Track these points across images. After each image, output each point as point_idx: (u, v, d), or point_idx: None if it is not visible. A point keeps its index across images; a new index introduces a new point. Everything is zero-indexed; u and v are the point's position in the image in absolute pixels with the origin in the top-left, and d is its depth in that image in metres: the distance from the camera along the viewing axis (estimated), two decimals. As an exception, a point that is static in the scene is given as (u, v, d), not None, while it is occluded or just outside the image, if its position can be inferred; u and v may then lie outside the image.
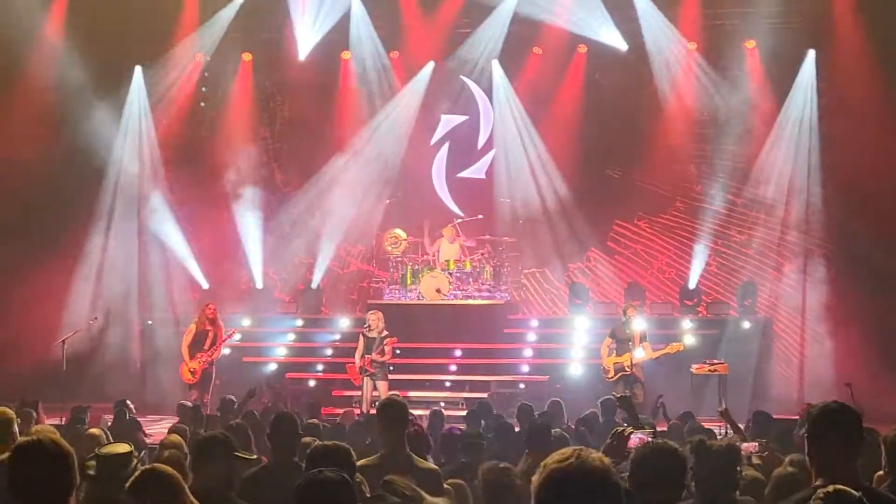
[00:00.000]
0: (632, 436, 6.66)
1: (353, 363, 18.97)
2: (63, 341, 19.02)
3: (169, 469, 5.80)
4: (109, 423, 14.00)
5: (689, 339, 20.83)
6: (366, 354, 18.55)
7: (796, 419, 13.17)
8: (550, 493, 3.63)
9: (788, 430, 10.99)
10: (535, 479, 3.69)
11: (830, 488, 4.60)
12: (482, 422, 12.87)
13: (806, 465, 5.51)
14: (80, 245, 24.22)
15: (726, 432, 13.05)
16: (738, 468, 6.64)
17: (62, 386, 18.40)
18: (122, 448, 6.58)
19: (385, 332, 18.72)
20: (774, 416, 12.67)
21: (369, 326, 18.73)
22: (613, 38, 24.12)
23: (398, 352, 20.48)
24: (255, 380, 21.63)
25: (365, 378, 18.42)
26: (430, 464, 8.17)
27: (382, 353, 18.55)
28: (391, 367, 19.34)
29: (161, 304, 24.26)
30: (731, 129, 23.86)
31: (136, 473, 5.74)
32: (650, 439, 6.59)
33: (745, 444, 9.25)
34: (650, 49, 24.07)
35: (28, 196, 23.58)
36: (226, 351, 22.10)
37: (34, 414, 12.63)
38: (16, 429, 7.91)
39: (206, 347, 18.80)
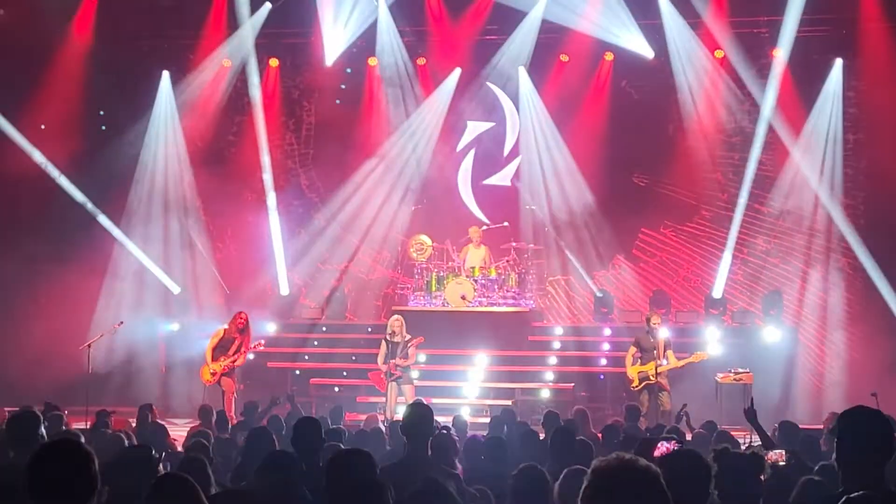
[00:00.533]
0: (658, 445, 6.64)
1: (375, 370, 18.97)
2: (88, 346, 19.09)
3: (183, 475, 5.80)
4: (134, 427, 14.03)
5: (715, 348, 20.77)
6: (389, 360, 18.54)
7: (822, 429, 13.09)
8: (598, 493, 3.64)
9: (814, 440, 10.91)
10: (584, 479, 3.75)
11: (856, 494, 4.57)
12: (504, 428, 12.84)
13: (833, 472, 5.47)
14: (107, 249, 24.33)
15: (751, 441, 12.99)
16: (762, 477, 6.60)
17: (88, 390, 18.45)
18: (144, 451, 6.59)
19: (408, 336, 18.71)
20: (800, 426, 12.57)
21: (393, 332, 18.71)
22: (640, 46, 24.08)
23: (423, 358, 20.49)
24: (279, 385, 21.80)
25: (390, 383, 18.41)
26: (453, 469, 8.15)
27: (406, 356, 18.54)
28: (415, 374, 19.32)
29: (187, 309, 24.31)
30: (758, 137, 23.77)
31: (156, 478, 5.73)
32: (675, 448, 6.56)
33: (771, 453, 9.19)
34: (676, 57, 24.05)
35: (57, 200, 23.71)
36: (250, 356, 22.20)
37: (64, 417, 12.67)
38: (42, 431, 7.94)
39: (230, 353, 18.70)
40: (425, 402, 9.39)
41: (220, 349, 18.78)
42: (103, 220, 24.19)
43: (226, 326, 19.10)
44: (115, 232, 24.35)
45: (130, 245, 24.44)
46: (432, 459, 7.83)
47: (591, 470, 3.78)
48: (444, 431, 9.08)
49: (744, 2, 23.31)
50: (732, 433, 12.51)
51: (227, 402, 18.29)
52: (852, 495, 4.60)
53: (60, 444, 4.69)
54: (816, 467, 7.92)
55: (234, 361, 18.71)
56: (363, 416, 16.97)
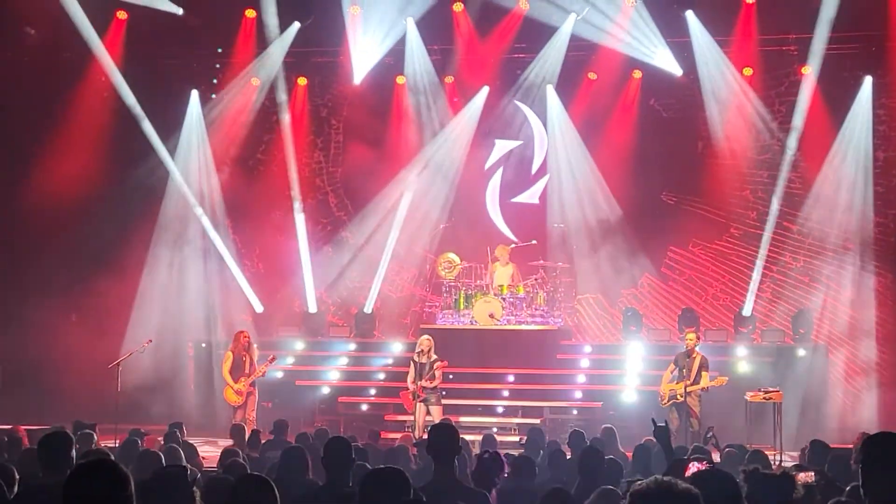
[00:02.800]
0: (689, 465, 6.63)
1: (406, 389, 19.00)
2: (118, 364, 19.18)
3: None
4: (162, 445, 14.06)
5: (743, 367, 20.72)
6: (416, 380, 18.54)
7: (851, 448, 13.02)
8: None
9: (845, 459, 10.85)
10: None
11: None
12: (541, 451, 12.80)
13: (859, 493, 5.45)
14: (138, 268, 24.44)
15: (781, 461, 12.93)
16: (793, 496, 6.57)
17: (117, 408, 18.51)
18: (179, 469, 6.60)
19: (435, 357, 18.71)
20: (831, 445, 12.50)
21: (421, 351, 18.71)
22: (668, 63, 24.06)
23: (451, 376, 20.49)
24: (307, 403, 21.86)
25: (418, 403, 18.41)
26: (481, 490, 8.13)
27: (433, 377, 18.53)
28: (443, 392, 19.32)
29: (216, 327, 24.38)
30: (787, 155, 23.71)
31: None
32: (706, 468, 6.54)
33: (801, 474, 9.14)
34: (705, 74, 24.02)
35: (88, 219, 23.85)
36: (279, 374, 22.35)
37: (95, 435, 12.72)
38: (73, 453, 7.96)
39: (246, 371, 19.35)
40: (451, 423, 9.39)
41: (236, 370, 19.40)
42: (135, 239, 24.28)
43: (232, 348, 19.74)
44: (147, 250, 24.45)
45: (162, 264, 24.55)
46: (462, 482, 7.82)
47: (630, 494, 3.79)
48: (493, 457, 9.03)
49: (772, 19, 23.21)
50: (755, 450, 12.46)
51: (249, 418, 18.98)
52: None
53: (98, 464, 4.69)
54: (848, 488, 7.86)
55: (255, 376, 19.41)
56: (393, 434, 17.02)
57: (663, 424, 9.88)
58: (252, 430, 14.94)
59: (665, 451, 9.53)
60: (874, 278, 23.04)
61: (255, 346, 20.10)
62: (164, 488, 6.25)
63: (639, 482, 3.87)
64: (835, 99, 23.42)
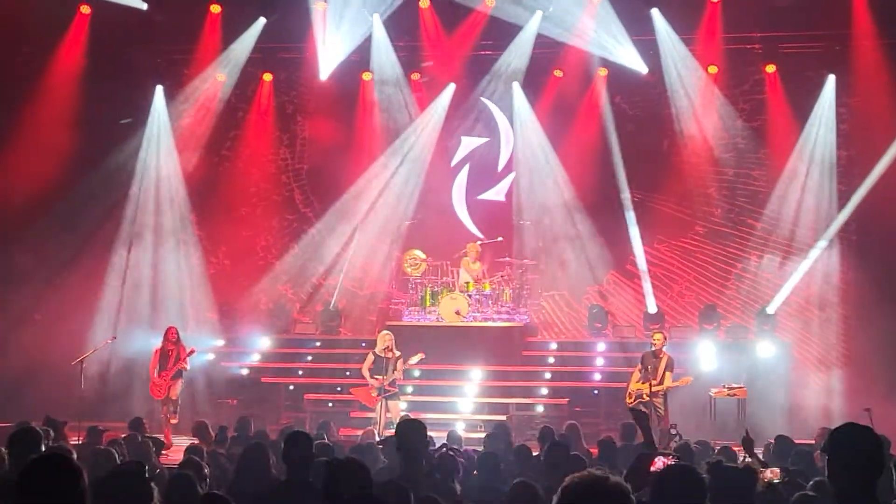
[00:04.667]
0: (655, 460, 6.64)
1: (359, 387, 18.95)
2: (81, 361, 19.07)
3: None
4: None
5: (708, 364, 20.82)
6: (377, 375, 18.45)
7: (814, 443, 13.11)
8: None
9: (809, 455, 10.92)
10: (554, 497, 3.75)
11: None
12: (503, 445, 12.80)
13: (826, 488, 5.47)
14: (102, 265, 24.29)
15: (745, 457, 12.97)
16: (755, 490, 6.60)
17: (81, 405, 18.40)
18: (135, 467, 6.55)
19: (398, 353, 18.64)
20: (795, 441, 12.58)
21: (387, 347, 18.62)
22: (634, 61, 24.12)
23: (417, 373, 20.48)
24: (273, 400, 21.79)
25: (381, 399, 18.32)
26: (452, 485, 8.14)
27: (394, 371, 18.47)
28: (409, 388, 19.28)
29: (180, 324, 24.23)
30: (751, 153, 23.83)
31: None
32: (672, 462, 6.55)
33: (767, 471, 9.18)
34: (669, 72, 24.10)
35: (51, 215, 23.63)
36: (244, 371, 22.31)
37: (64, 432, 12.67)
38: (43, 448, 7.92)
39: (169, 365, 19.57)
40: (417, 420, 9.38)
41: (161, 365, 19.70)
42: (99, 234, 24.14)
43: (159, 346, 19.94)
44: (111, 246, 24.29)
45: (126, 260, 24.40)
46: (428, 477, 7.82)
47: (561, 488, 3.79)
48: (451, 452, 9.04)
49: (737, 18, 23.28)
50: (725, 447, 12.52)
51: (174, 394, 19.59)
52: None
53: (50, 458, 4.67)
54: (811, 483, 7.90)
55: (175, 368, 19.66)
56: (357, 431, 16.97)
57: (645, 411, 9.92)
58: (220, 427, 14.84)
59: (644, 434, 9.59)
60: (837, 275, 23.18)
61: (184, 342, 20.25)
62: (120, 485, 6.20)
63: (571, 476, 3.87)
64: (798, 97, 23.56)
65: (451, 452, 9.15)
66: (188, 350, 19.95)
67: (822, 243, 23.10)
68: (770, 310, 22.88)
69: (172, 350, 19.68)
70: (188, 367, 19.91)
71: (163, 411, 19.49)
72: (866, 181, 22.58)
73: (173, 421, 19.28)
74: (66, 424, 14.29)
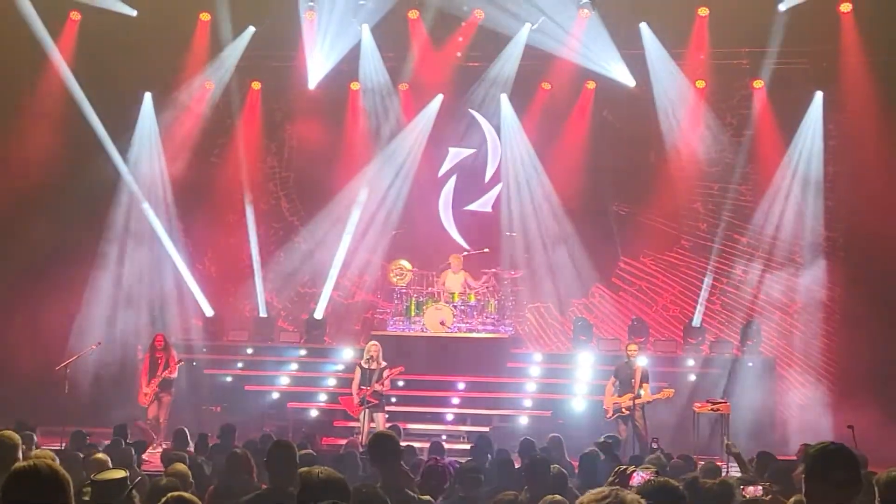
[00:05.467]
0: (634, 474, 6.66)
1: (348, 395, 18.92)
2: (66, 366, 19.02)
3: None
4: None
5: (692, 378, 20.88)
6: (362, 386, 18.43)
7: (795, 459, 13.12)
8: None
9: (789, 471, 10.93)
10: None
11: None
12: (489, 456, 12.80)
13: (802, 504, 5.49)
14: (88, 271, 24.22)
15: (728, 472, 13.00)
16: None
17: (64, 410, 18.34)
18: (117, 474, 6.54)
19: (384, 364, 18.64)
20: (778, 457, 12.60)
21: (371, 357, 18.61)
22: (622, 75, 24.18)
23: (401, 383, 20.48)
24: (256, 408, 21.75)
25: (364, 410, 18.29)
26: (427, 497, 8.13)
27: (381, 384, 18.45)
28: (392, 399, 19.27)
29: (167, 330, 24.18)
30: (738, 168, 23.90)
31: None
32: (652, 478, 6.57)
33: (750, 488, 9.22)
34: (657, 86, 24.15)
35: (39, 220, 23.54)
36: (228, 379, 22.32)
37: (35, 437, 12.60)
38: (20, 454, 7.87)
39: (158, 373, 19.78)
40: (389, 432, 9.39)
41: (151, 372, 19.96)
42: (85, 240, 24.08)
43: (148, 351, 20.34)
44: (97, 253, 24.22)
45: (112, 266, 24.34)
46: (408, 489, 7.82)
47: (578, 501, 3.80)
48: (439, 465, 9.04)
49: (725, 33, 23.37)
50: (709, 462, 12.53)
51: (162, 415, 19.86)
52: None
53: (35, 468, 4.62)
54: (792, 500, 7.92)
55: (162, 376, 19.81)
56: (341, 441, 16.95)
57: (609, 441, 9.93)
58: (200, 434, 14.80)
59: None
60: (823, 291, 23.22)
61: (173, 349, 20.51)
62: (102, 492, 6.20)
63: (590, 493, 3.88)
64: (786, 113, 23.63)
65: (440, 465, 9.14)
66: (177, 359, 20.04)
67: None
68: (754, 324, 22.89)
69: (161, 357, 19.84)
70: (174, 376, 19.91)
71: (150, 415, 19.68)
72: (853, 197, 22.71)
73: (159, 449, 18.04)
74: (36, 429, 14.21)
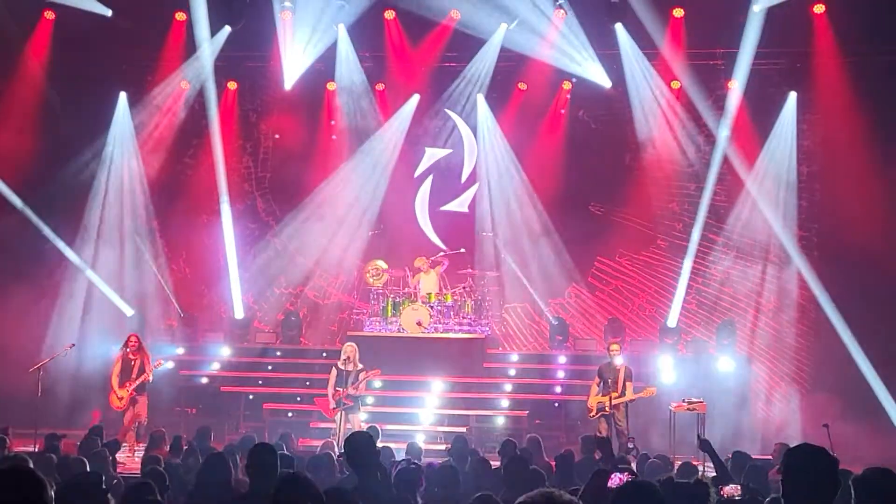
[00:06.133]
0: (612, 475, 6.67)
1: (324, 397, 18.85)
2: (39, 368, 18.90)
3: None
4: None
5: (668, 377, 20.92)
6: (338, 387, 18.38)
7: (770, 459, 13.18)
8: None
9: (764, 470, 10.98)
10: None
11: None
12: (468, 458, 12.78)
13: (781, 504, 5.50)
14: (61, 271, 24.12)
15: (705, 471, 13.03)
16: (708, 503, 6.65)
17: (37, 412, 18.25)
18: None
19: (361, 366, 18.59)
20: (753, 456, 12.65)
21: (348, 358, 18.55)
22: (597, 75, 24.23)
23: (378, 384, 20.45)
24: (232, 409, 21.68)
25: (340, 411, 18.22)
26: (413, 499, 8.13)
27: (357, 386, 18.38)
28: (370, 400, 19.24)
29: (142, 331, 24.06)
30: (713, 168, 23.97)
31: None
32: (629, 478, 6.58)
33: (727, 487, 9.24)
34: (633, 87, 24.20)
35: (12, 220, 23.41)
36: (203, 380, 22.23)
37: (7, 440, 12.54)
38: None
39: (133, 376, 19.09)
40: (365, 432, 9.36)
41: (124, 374, 19.17)
42: (57, 240, 23.93)
43: (121, 351, 19.47)
44: (69, 253, 24.09)
45: (84, 266, 24.21)
46: (387, 491, 7.81)
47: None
48: (412, 465, 9.03)
49: (700, 34, 23.45)
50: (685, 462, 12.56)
51: (126, 423, 18.90)
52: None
53: (12, 471, 4.58)
54: (768, 500, 7.95)
55: (140, 381, 19.11)
56: (317, 442, 16.91)
57: (608, 436, 9.98)
58: (174, 436, 14.72)
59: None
60: (797, 291, 23.31)
61: (147, 350, 19.78)
62: (78, 495, 6.16)
63: (525, 495, 3.88)
64: (760, 113, 23.71)
65: (413, 465, 9.12)
66: (155, 361, 19.56)
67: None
68: (729, 324, 22.95)
69: (135, 359, 19.21)
70: (151, 380, 19.41)
71: (125, 431, 18.73)
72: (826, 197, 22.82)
73: (136, 449, 18.35)
74: (9, 430, 14.14)
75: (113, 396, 19.16)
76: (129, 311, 24.17)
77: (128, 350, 19.32)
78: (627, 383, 18.35)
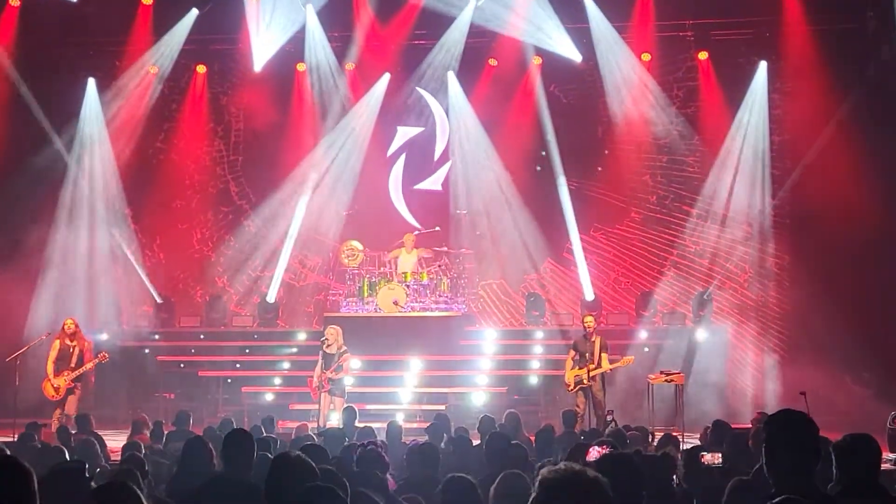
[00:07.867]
0: (590, 449, 6.69)
1: (313, 377, 18.81)
2: (16, 357, 18.74)
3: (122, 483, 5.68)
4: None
5: (646, 349, 20.99)
6: (323, 370, 18.36)
7: (750, 427, 13.24)
8: (545, 500, 3.71)
9: (743, 438, 11.02)
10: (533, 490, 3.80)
11: (782, 498, 4.62)
12: (444, 435, 12.80)
13: (764, 474, 5.50)
14: (36, 259, 23.96)
15: (683, 442, 13.09)
16: (673, 476, 6.69)
17: (15, 401, 18.12)
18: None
19: (344, 348, 18.54)
20: (732, 426, 12.70)
21: (327, 341, 18.49)
22: (568, 49, 24.22)
23: (357, 364, 20.44)
24: (210, 393, 21.65)
25: (322, 394, 18.20)
26: (383, 477, 8.15)
27: (339, 369, 18.35)
28: (350, 380, 19.22)
29: (114, 318, 24.01)
30: (685, 139, 24.02)
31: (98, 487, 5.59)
32: (607, 451, 6.60)
33: (707, 455, 9.28)
34: (604, 60, 24.20)
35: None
36: (180, 364, 22.15)
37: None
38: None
39: (72, 364, 18.01)
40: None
41: (61, 361, 18.13)
42: (32, 229, 23.78)
43: (58, 336, 18.41)
44: (45, 241, 23.95)
45: (60, 254, 24.09)
46: (359, 472, 7.82)
47: (539, 481, 3.80)
48: (372, 447, 9.05)
49: (669, 5, 23.48)
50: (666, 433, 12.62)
51: (72, 411, 17.60)
52: (777, 500, 4.65)
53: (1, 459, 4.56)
54: (753, 469, 7.97)
55: (75, 372, 18.02)
56: (295, 424, 16.89)
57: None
58: (155, 422, 14.66)
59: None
60: (772, 259, 23.43)
61: (87, 337, 19.04)
62: (60, 484, 6.13)
63: (549, 469, 3.88)
64: (731, 84, 23.78)
65: (370, 446, 9.13)
66: (99, 355, 18.47)
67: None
68: (705, 294, 23.02)
69: (73, 345, 18.12)
70: (87, 369, 18.28)
71: (57, 414, 17.71)
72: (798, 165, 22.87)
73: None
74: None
75: (48, 385, 18.01)
76: (105, 298, 24.07)
77: (64, 336, 18.21)
78: (603, 354, 18.34)
